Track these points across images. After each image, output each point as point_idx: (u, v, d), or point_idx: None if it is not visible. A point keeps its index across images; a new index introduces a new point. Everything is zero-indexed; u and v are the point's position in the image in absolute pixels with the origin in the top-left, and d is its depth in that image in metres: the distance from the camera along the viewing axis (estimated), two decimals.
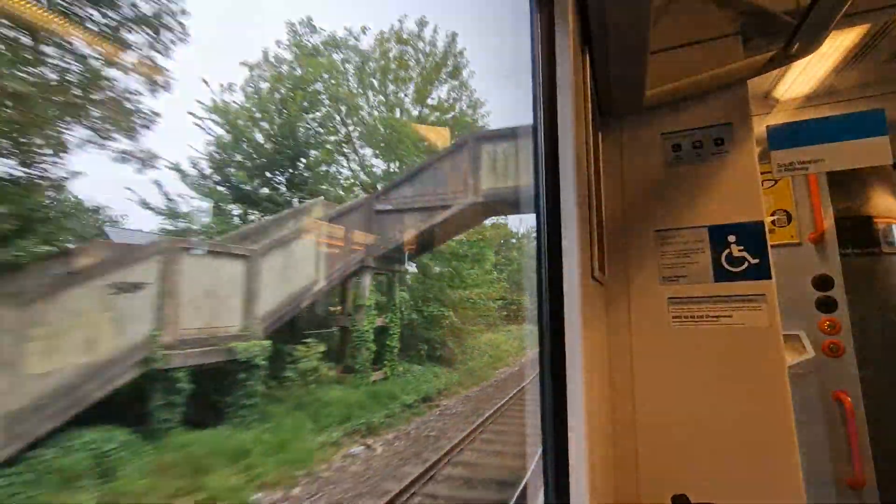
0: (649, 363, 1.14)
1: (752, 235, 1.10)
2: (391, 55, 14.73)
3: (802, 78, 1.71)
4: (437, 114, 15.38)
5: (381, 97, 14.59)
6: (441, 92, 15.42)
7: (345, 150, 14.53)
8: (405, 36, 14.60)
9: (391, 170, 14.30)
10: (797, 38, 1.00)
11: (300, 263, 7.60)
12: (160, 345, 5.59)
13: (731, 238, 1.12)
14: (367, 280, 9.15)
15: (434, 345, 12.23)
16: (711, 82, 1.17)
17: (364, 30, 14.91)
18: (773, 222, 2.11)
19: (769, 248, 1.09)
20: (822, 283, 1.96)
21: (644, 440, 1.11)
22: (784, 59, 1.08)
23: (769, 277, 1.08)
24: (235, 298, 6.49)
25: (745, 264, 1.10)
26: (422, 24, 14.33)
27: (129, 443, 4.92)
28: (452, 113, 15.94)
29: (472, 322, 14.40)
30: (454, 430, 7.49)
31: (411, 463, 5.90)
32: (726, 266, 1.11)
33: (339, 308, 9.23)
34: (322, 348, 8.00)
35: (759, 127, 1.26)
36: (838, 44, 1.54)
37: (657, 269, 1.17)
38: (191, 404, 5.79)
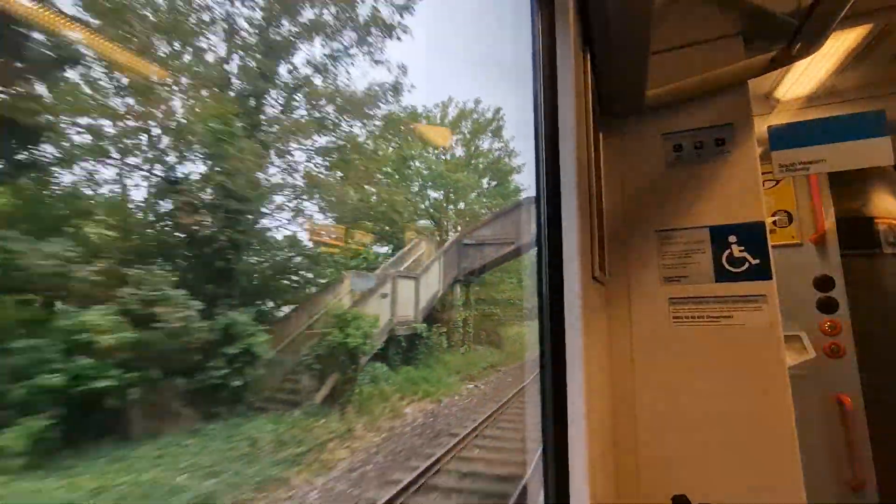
0: (650, 363, 1.14)
1: (753, 236, 1.10)
2: (449, 120, 20.80)
3: (804, 78, 1.71)
4: (482, 159, 21.57)
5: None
6: (485, 143, 21.85)
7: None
8: (466, 110, 21.07)
9: (439, 198, 20.09)
10: (799, 38, 1.00)
11: (433, 279, 13.21)
12: (393, 324, 10.90)
13: (732, 238, 1.12)
14: (458, 289, 14.63)
15: (487, 332, 17.31)
16: (713, 83, 1.17)
17: (436, 105, 20.64)
18: (774, 223, 2.11)
19: (770, 248, 1.09)
20: (823, 283, 1.96)
21: (644, 440, 1.10)
22: (785, 59, 1.08)
23: (770, 278, 1.07)
24: (411, 301, 11.98)
25: (746, 265, 1.10)
26: (477, 101, 21.01)
27: (386, 370, 10.16)
28: (492, 157, 21.76)
29: (509, 318, 18.69)
30: (518, 380, 12.37)
31: (506, 391, 10.62)
32: (727, 266, 1.11)
33: (444, 306, 14.35)
34: (443, 330, 13.43)
35: (761, 127, 1.26)
36: (839, 44, 1.54)
37: (658, 270, 1.17)
38: (402, 354, 11.30)
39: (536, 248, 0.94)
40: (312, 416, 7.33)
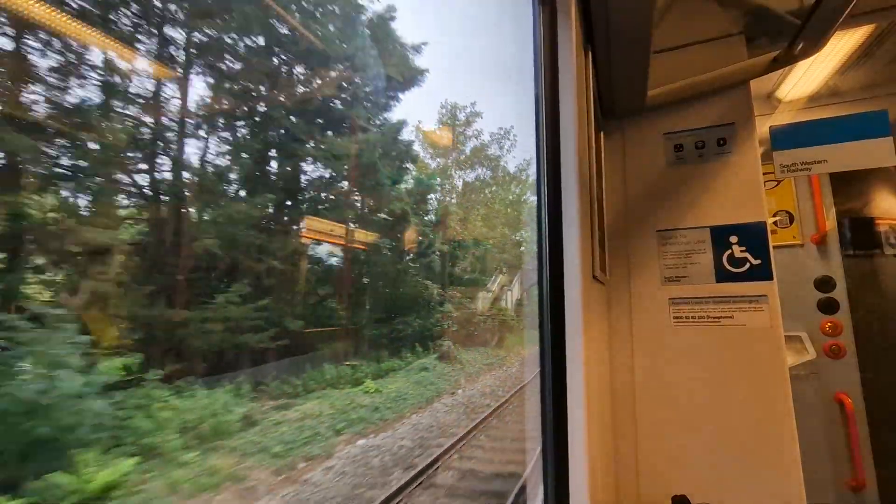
0: (650, 363, 1.14)
1: (754, 236, 1.10)
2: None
3: (806, 78, 1.71)
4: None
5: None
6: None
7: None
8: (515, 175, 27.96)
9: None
10: (801, 38, 1.00)
11: (515, 290, 21.34)
12: (508, 310, 19.69)
13: (733, 238, 1.12)
14: (524, 295, 21.86)
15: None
16: (714, 82, 1.17)
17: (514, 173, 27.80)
18: (775, 223, 2.11)
19: (771, 248, 1.09)
20: (824, 284, 1.96)
21: (644, 440, 1.10)
22: (788, 59, 1.08)
23: (771, 278, 1.07)
24: (509, 302, 20.53)
25: (747, 265, 1.10)
26: (527, 162, 27.89)
27: (507, 335, 18.76)
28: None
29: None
30: None
31: None
32: (728, 267, 1.11)
33: (518, 305, 22.01)
34: (519, 318, 20.45)
35: (762, 127, 1.25)
36: (842, 44, 1.53)
37: (659, 270, 1.17)
38: (509, 328, 19.15)
39: (537, 248, 0.94)
40: (494, 349, 16.65)
